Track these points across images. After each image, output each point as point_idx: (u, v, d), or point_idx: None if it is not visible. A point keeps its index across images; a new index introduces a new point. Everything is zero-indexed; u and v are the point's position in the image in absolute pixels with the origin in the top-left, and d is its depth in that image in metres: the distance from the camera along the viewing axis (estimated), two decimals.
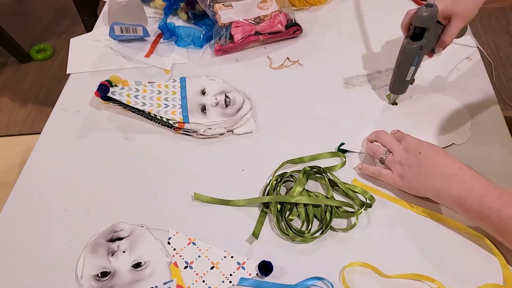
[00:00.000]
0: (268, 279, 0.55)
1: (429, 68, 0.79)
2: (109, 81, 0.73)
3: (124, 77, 0.78)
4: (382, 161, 0.63)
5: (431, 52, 0.69)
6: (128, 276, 0.55)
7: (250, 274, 0.55)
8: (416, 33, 0.62)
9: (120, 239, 0.58)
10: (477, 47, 0.82)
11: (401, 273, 0.54)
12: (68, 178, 0.66)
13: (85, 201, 0.63)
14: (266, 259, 0.55)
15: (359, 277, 0.55)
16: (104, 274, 0.55)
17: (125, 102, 0.71)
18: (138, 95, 0.72)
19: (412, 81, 0.66)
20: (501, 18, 2.02)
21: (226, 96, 0.73)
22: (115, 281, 0.55)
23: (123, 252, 0.57)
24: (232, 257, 0.57)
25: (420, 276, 0.54)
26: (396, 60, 0.67)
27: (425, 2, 0.61)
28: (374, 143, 0.66)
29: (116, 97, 0.71)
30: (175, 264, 0.56)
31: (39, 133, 0.72)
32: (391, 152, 0.62)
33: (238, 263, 0.56)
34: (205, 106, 0.72)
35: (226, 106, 0.72)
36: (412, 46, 0.62)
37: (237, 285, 0.54)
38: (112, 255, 0.56)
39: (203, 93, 0.73)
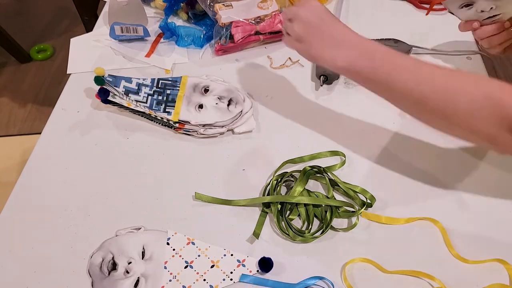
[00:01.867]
0: (268, 276, 0.55)
1: None
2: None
3: None
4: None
5: None
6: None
7: (250, 271, 0.55)
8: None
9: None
10: (479, 49, 0.82)
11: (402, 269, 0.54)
12: (68, 178, 0.66)
13: (85, 201, 0.63)
14: (267, 256, 0.55)
15: (360, 276, 0.55)
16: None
17: (125, 105, 0.71)
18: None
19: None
20: None
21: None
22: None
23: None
24: (232, 255, 0.57)
25: (420, 273, 0.54)
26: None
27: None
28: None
29: (117, 100, 0.71)
30: None
31: (39, 133, 0.72)
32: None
33: (238, 261, 0.56)
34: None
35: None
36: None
37: (238, 282, 0.55)
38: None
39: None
